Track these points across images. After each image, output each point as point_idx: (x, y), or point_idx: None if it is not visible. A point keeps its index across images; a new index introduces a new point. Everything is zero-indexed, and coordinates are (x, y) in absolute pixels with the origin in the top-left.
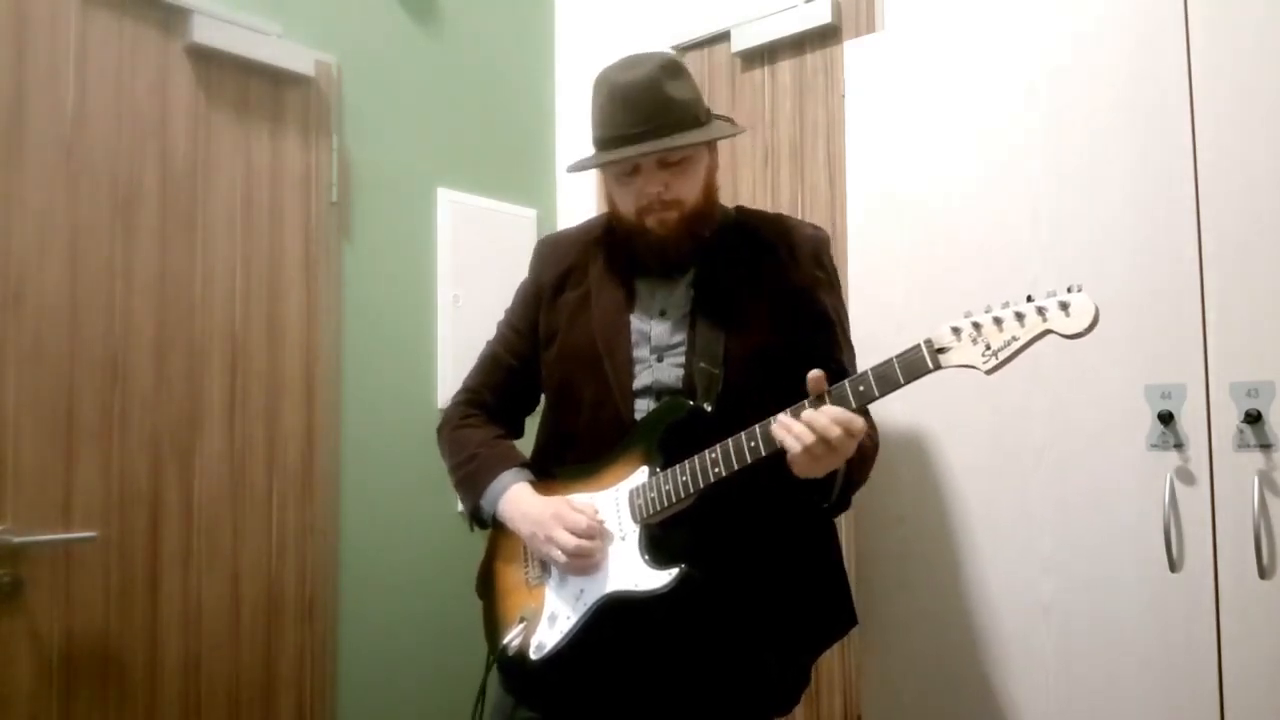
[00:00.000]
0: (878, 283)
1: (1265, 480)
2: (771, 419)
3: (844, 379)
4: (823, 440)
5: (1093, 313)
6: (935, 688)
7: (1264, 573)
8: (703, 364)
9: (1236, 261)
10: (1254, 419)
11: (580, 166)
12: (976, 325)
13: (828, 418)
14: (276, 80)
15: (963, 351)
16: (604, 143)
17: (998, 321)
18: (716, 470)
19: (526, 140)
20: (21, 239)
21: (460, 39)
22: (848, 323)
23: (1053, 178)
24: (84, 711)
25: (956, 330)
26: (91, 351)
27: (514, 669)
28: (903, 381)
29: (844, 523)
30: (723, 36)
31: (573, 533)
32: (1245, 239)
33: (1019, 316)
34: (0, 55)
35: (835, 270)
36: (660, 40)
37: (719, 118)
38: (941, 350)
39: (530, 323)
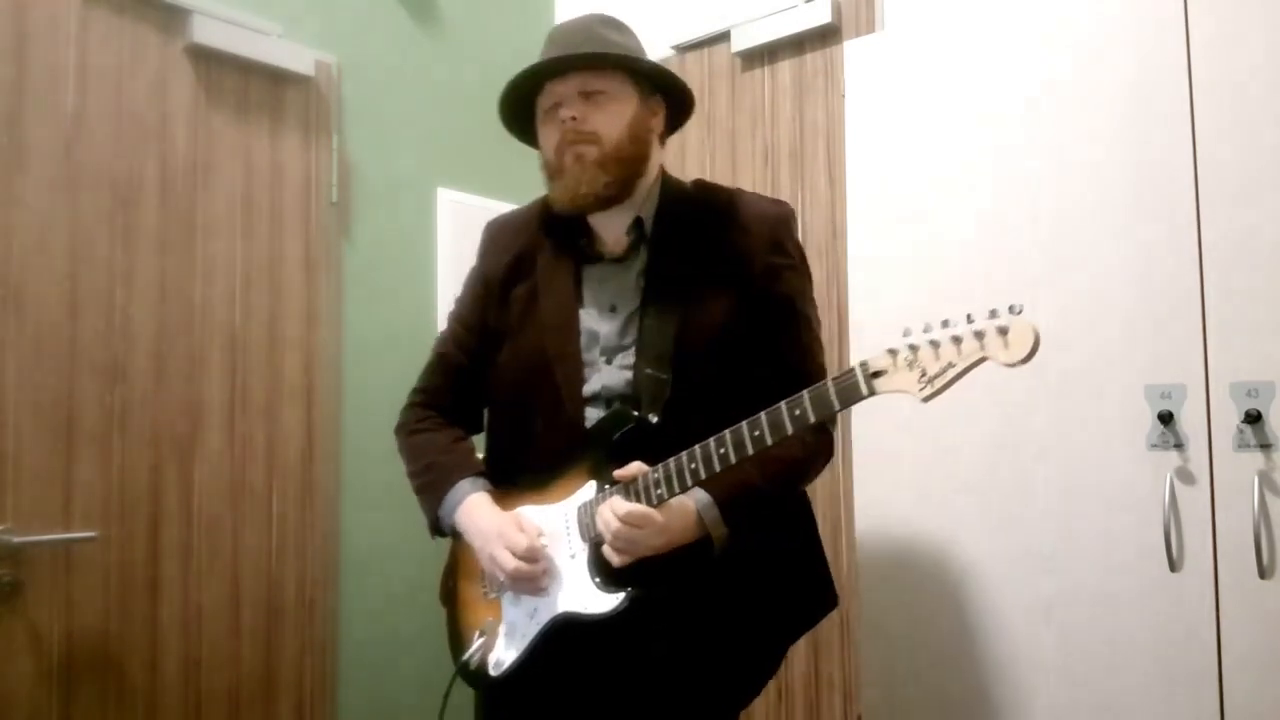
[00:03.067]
0: (877, 283)
1: (1265, 480)
2: (713, 439)
3: (796, 383)
4: (611, 533)
5: (1032, 340)
6: (935, 688)
7: (1264, 573)
8: (649, 370)
9: (1236, 261)
10: (1254, 419)
11: (503, 100)
12: (913, 348)
13: (609, 512)
14: (276, 80)
15: (898, 377)
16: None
17: (934, 345)
18: (659, 492)
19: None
20: (21, 239)
21: (460, 39)
22: (814, 310)
23: (1052, 177)
24: (84, 711)
25: (893, 353)
26: (91, 351)
27: (475, 683)
28: (838, 407)
29: (844, 523)
30: (723, 36)
31: (513, 553)
32: (1245, 239)
33: (956, 340)
34: (0, 55)
35: (799, 249)
36: (660, 40)
37: (655, 65)
38: (877, 374)
39: (479, 320)
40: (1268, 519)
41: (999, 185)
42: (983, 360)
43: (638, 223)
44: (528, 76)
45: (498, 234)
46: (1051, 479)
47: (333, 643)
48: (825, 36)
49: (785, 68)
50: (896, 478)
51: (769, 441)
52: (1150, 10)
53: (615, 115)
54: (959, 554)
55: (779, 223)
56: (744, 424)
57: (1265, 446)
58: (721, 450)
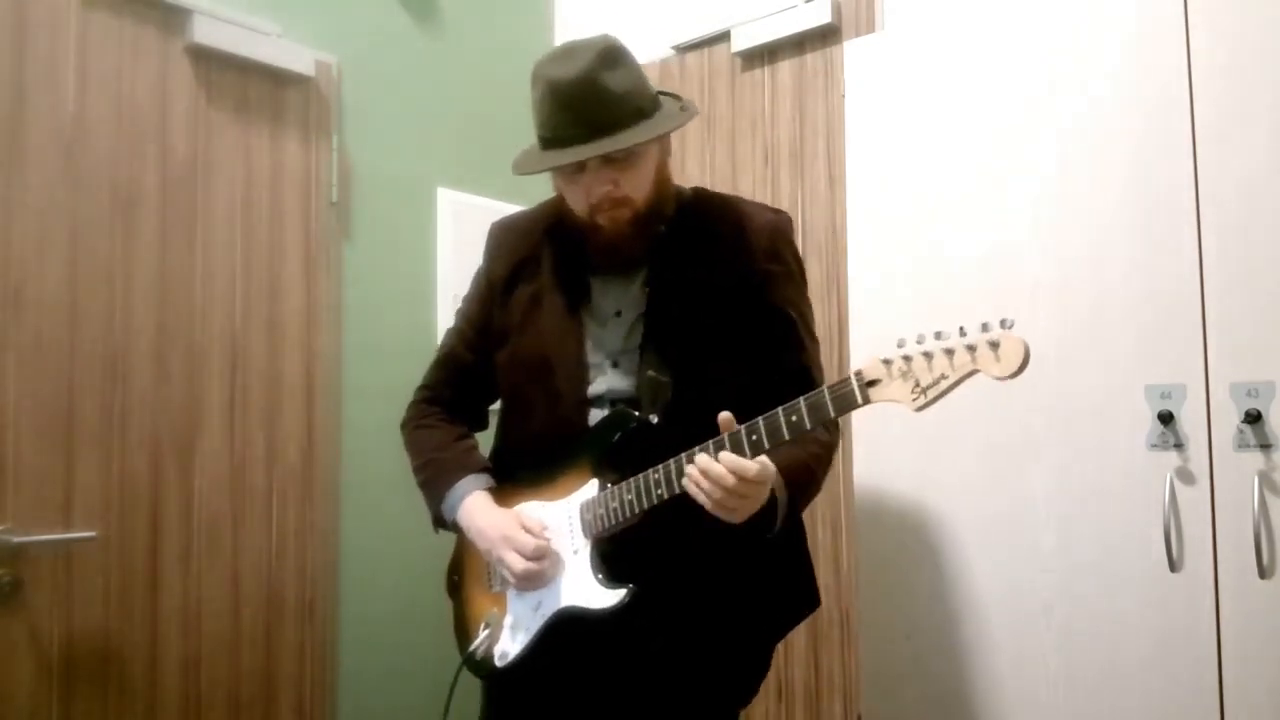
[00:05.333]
0: (877, 283)
1: (1265, 480)
2: (712, 441)
3: (799, 387)
4: (725, 490)
5: (1022, 355)
6: (935, 688)
7: (1264, 573)
8: (651, 372)
9: (1236, 261)
10: (1254, 419)
11: (524, 170)
12: (907, 359)
13: (724, 467)
14: (276, 80)
15: (892, 387)
16: (545, 143)
17: (928, 356)
18: (659, 492)
19: (526, 140)
20: (21, 239)
21: (460, 39)
22: (810, 315)
23: (1053, 178)
24: (84, 711)
25: (888, 363)
26: (91, 351)
27: (481, 674)
28: (833, 414)
29: (844, 523)
30: (723, 36)
31: (520, 554)
32: (1245, 239)
33: (948, 353)
34: (0, 55)
35: (796, 257)
36: (660, 40)
37: (666, 95)
38: (872, 383)
39: (484, 318)
40: (1268, 519)
41: (999, 185)
42: (974, 373)
43: None
44: (550, 147)
45: (503, 235)
46: (1051, 479)
47: (333, 643)
48: (825, 36)
49: (785, 68)
50: (896, 477)
51: (766, 447)
52: (1150, 10)
53: (643, 173)
54: (959, 554)
55: (777, 231)
56: (742, 428)
57: (1265, 446)
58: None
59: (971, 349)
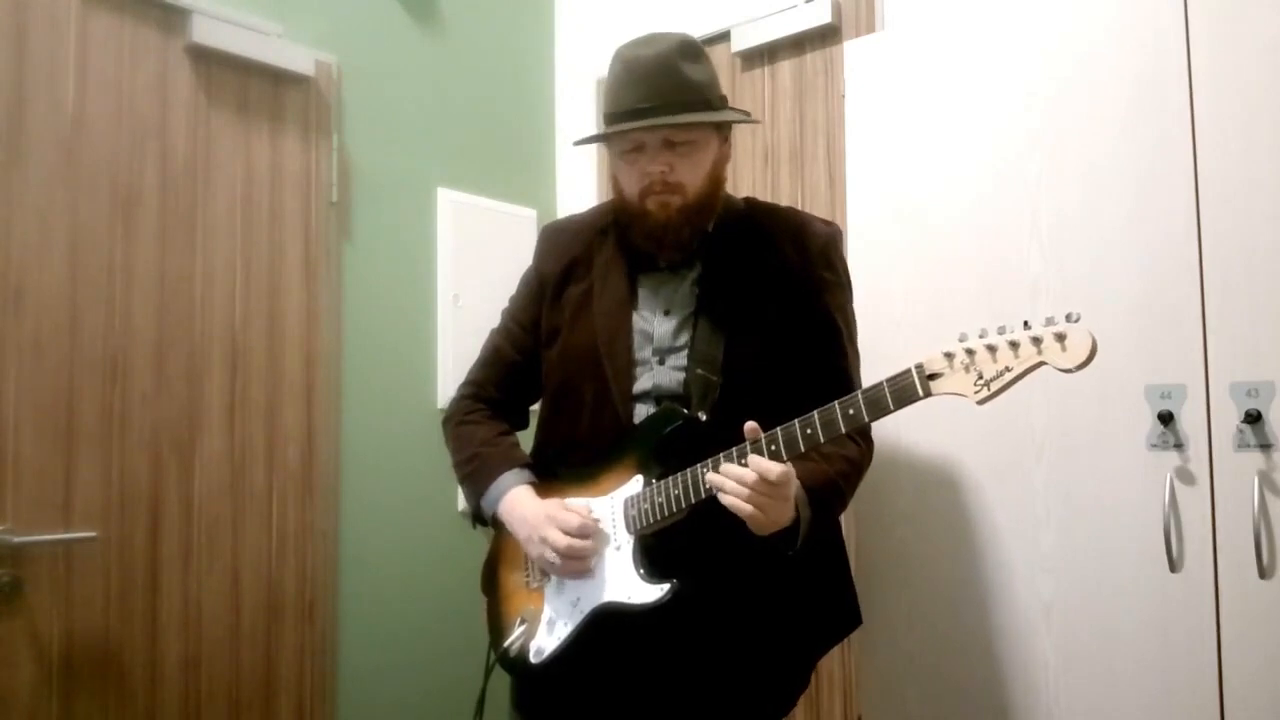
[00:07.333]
0: (877, 282)
1: (1265, 480)
2: (764, 435)
3: (838, 391)
4: (752, 491)
5: (1089, 347)
6: (935, 688)
7: (1264, 573)
8: (700, 370)
9: (1236, 261)
10: (1254, 419)
11: (584, 140)
12: (970, 352)
13: (750, 469)
14: (276, 80)
15: (954, 379)
16: (611, 118)
17: (991, 349)
18: (706, 488)
19: (526, 140)
20: (21, 239)
21: (460, 39)
22: (854, 326)
23: (1053, 177)
24: (84, 711)
25: (949, 356)
26: (91, 351)
27: (515, 670)
28: (893, 408)
29: (844, 522)
30: (723, 36)
31: (565, 532)
32: (1245, 239)
33: (1013, 345)
34: (0, 55)
35: (846, 269)
36: None
37: (737, 111)
38: (933, 376)
39: (533, 317)
40: (1268, 519)
41: (999, 185)
42: (1040, 365)
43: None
44: (615, 123)
45: (555, 237)
46: (1051, 479)
47: (333, 643)
48: (825, 36)
49: (785, 68)
50: (896, 477)
51: (821, 439)
52: (1150, 10)
53: (699, 164)
54: (959, 554)
55: (829, 241)
56: (796, 421)
57: (1265, 446)
58: (773, 447)
59: (1037, 341)
